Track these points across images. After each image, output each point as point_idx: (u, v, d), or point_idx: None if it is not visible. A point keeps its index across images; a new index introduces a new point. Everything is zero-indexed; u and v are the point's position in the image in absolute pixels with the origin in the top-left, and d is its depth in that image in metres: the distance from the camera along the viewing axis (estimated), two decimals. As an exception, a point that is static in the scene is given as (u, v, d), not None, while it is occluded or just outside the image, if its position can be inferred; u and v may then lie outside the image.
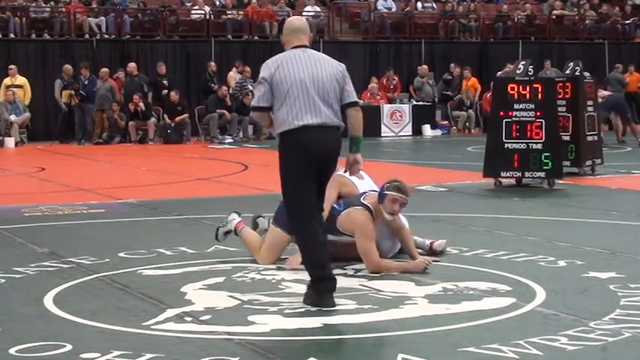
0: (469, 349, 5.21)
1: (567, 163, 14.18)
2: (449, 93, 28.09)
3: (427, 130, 26.40)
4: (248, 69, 25.95)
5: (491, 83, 26.19)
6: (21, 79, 24.00)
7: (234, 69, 26.13)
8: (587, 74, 15.52)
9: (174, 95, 24.32)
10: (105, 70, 24.56)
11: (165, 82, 24.87)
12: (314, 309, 6.21)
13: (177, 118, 24.08)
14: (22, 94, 23.82)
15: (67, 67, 24.40)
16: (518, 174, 13.36)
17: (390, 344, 5.38)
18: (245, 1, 29.14)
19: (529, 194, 12.86)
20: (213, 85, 25.14)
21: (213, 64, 25.65)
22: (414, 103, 27.10)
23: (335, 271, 7.36)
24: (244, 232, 8.21)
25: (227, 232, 8.34)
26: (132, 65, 25.05)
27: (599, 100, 20.52)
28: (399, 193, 7.61)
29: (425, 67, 28.11)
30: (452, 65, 28.47)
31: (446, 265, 7.78)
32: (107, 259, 8.18)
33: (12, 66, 24.07)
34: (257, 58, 27.15)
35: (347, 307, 6.26)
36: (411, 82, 28.18)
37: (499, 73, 25.25)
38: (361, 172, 6.91)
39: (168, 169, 17.36)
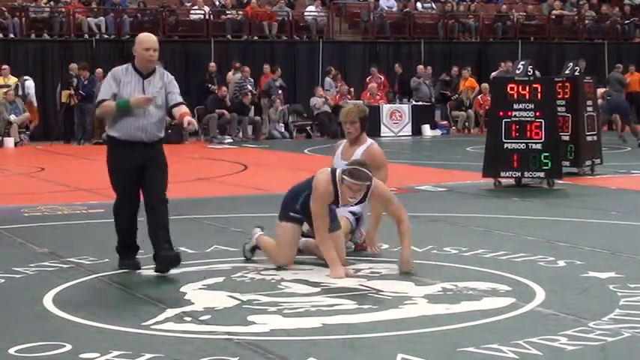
0: (469, 349, 5.21)
1: (567, 163, 14.19)
2: (447, 92, 28.09)
3: (427, 130, 26.40)
4: (247, 69, 25.97)
5: (482, 85, 26.62)
6: (13, 80, 23.96)
7: (232, 70, 26.13)
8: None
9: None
10: (99, 70, 24.49)
11: None
12: (314, 309, 6.21)
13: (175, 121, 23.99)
14: (13, 94, 23.73)
15: (73, 65, 24.36)
16: (518, 174, 13.36)
17: (390, 344, 5.38)
18: (244, 1, 29.15)
19: (528, 194, 12.86)
20: (210, 85, 25.13)
21: (213, 64, 25.64)
22: (414, 103, 27.10)
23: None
24: (260, 240, 7.99)
25: (253, 248, 8.11)
26: None
27: (599, 101, 20.54)
28: (352, 180, 7.25)
29: (421, 67, 28.11)
30: (454, 69, 28.45)
31: (446, 265, 7.78)
32: (107, 259, 8.18)
33: (5, 66, 24.02)
34: (257, 58, 27.23)
35: (347, 307, 6.26)
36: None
37: (493, 73, 25.37)
38: None
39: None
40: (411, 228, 7.54)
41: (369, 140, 8.45)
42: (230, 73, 25.99)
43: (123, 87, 7.59)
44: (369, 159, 8.09)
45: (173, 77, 7.90)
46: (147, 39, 7.70)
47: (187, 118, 7.61)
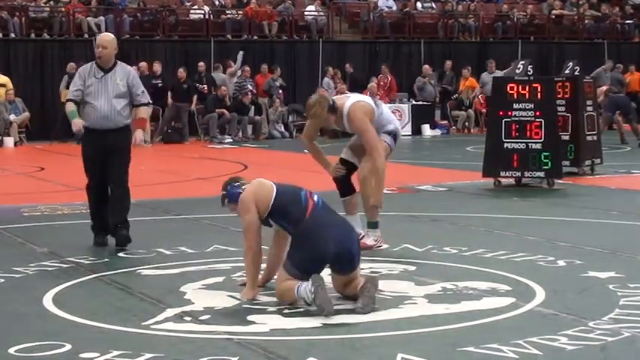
0: (469, 349, 5.21)
1: (567, 162, 14.18)
2: (446, 86, 28.10)
3: (427, 129, 26.40)
4: (247, 68, 25.95)
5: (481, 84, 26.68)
6: (3, 78, 23.91)
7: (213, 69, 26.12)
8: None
9: (182, 72, 24.20)
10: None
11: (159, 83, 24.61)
12: (313, 309, 6.20)
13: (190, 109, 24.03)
14: (4, 92, 23.70)
15: (71, 65, 24.37)
16: (518, 174, 13.37)
17: (389, 344, 5.38)
18: (244, 0, 29.15)
19: (528, 194, 12.86)
20: (199, 85, 25.01)
21: (202, 64, 25.56)
22: (414, 102, 27.09)
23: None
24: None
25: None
26: (143, 65, 24.76)
27: (601, 97, 20.51)
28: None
29: (427, 67, 28.09)
30: (447, 63, 28.54)
31: (446, 264, 7.78)
32: (106, 259, 8.19)
33: None
34: (256, 58, 27.22)
35: (347, 307, 6.26)
36: (412, 82, 28.17)
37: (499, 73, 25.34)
38: None
39: (168, 169, 17.35)
40: None
41: (345, 106, 8.37)
42: (214, 74, 25.98)
43: (87, 83, 8.75)
44: (352, 126, 8.41)
45: (136, 73, 9.23)
46: (99, 37, 9.11)
47: (138, 136, 8.95)
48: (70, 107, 8.80)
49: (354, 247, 6.44)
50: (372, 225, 8.53)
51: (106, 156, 8.80)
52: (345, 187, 8.71)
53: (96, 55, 8.85)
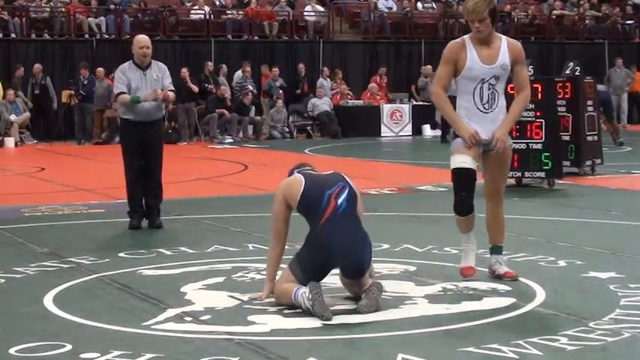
0: (469, 349, 5.21)
1: (567, 163, 14.17)
2: None
3: (427, 130, 26.40)
4: (248, 69, 25.96)
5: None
6: None
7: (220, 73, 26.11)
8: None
9: (184, 72, 24.14)
10: (101, 69, 24.41)
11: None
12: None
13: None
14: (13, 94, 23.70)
15: (37, 66, 24.40)
16: (518, 174, 13.36)
17: (390, 344, 5.38)
18: (245, 1, 29.16)
19: (529, 194, 12.85)
20: (207, 85, 25.02)
21: (210, 64, 25.57)
22: (414, 103, 27.09)
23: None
24: None
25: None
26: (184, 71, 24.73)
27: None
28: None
29: (429, 67, 28.07)
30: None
31: (446, 265, 7.78)
32: (107, 259, 8.18)
33: None
34: (257, 58, 27.23)
35: (347, 307, 6.26)
36: (412, 82, 28.18)
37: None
38: None
39: (168, 169, 17.30)
40: None
41: (500, 34, 7.16)
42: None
43: (129, 79, 9.86)
44: (517, 54, 7.05)
45: (166, 67, 10.24)
46: (141, 39, 10.04)
47: (159, 93, 9.94)
48: (126, 96, 9.85)
49: (362, 259, 6.22)
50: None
51: (143, 146, 9.87)
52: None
53: (140, 55, 9.87)
